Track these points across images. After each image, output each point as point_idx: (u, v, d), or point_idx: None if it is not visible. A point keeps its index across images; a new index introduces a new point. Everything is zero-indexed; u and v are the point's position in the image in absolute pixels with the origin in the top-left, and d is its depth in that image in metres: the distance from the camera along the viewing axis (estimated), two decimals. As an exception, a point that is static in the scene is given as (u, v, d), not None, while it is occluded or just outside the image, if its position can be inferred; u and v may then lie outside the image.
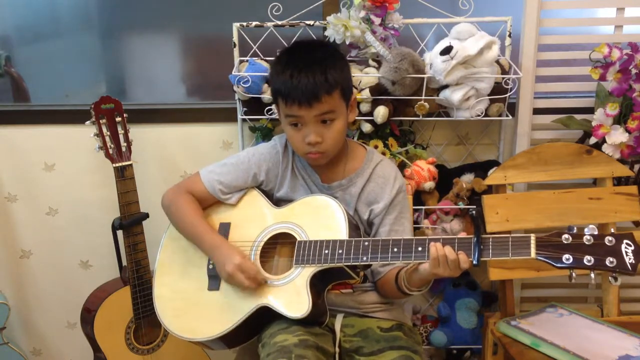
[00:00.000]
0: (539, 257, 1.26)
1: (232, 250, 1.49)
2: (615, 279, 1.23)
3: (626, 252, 1.21)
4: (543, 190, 1.88)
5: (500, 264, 1.80)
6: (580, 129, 1.96)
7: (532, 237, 1.27)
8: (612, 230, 1.28)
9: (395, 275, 1.49)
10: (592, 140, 1.87)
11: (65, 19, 2.22)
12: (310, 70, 1.42)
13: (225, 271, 1.46)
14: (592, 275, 1.24)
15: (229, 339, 1.52)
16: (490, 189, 1.89)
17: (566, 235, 1.25)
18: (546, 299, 2.07)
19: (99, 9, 2.22)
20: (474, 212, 1.32)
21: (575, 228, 1.26)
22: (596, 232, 1.24)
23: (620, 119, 1.85)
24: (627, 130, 1.82)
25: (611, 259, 1.21)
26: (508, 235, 1.30)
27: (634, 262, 1.21)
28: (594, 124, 1.86)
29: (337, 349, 1.50)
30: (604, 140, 1.85)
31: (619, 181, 1.89)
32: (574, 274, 1.25)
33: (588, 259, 1.22)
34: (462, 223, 1.99)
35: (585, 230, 1.25)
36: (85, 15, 2.22)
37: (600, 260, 1.22)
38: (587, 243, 1.24)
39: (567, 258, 1.23)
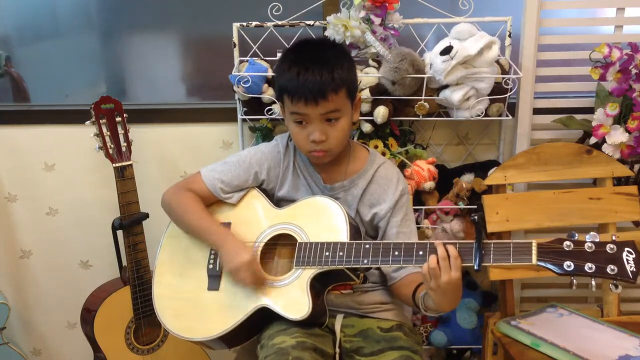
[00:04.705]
0: (540, 264, 1.25)
1: (241, 247, 1.48)
2: (616, 286, 1.23)
3: (627, 260, 1.21)
4: (543, 190, 1.88)
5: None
6: (580, 129, 1.96)
7: (534, 243, 1.27)
8: (614, 234, 1.27)
9: (413, 293, 1.47)
10: (592, 140, 1.87)
11: (65, 19, 2.22)
12: (317, 68, 1.42)
13: (232, 265, 1.45)
14: (593, 282, 1.23)
15: (229, 339, 1.52)
16: (490, 189, 1.89)
17: (567, 242, 1.24)
18: (546, 299, 2.07)
19: (99, 9, 2.22)
20: (475, 217, 1.31)
21: (576, 235, 1.25)
22: (597, 239, 1.24)
23: (620, 119, 1.85)
24: (627, 130, 1.82)
25: (612, 267, 1.21)
26: (509, 241, 1.29)
27: (635, 270, 1.20)
28: (594, 124, 1.86)
29: (337, 350, 1.50)
30: (604, 140, 1.85)
31: (619, 181, 1.89)
32: (574, 281, 1.25)
33: (589, 267, 1.22)
34: (462, 223, 1.99)
35: (587, 237, 1.24)
36: (85, 15, 2.22)
37: (602, 267, 1.21)
38: (588, 250, 1.23)
39: (569, 265, 1.23)
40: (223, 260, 1.50)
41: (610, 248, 1.22)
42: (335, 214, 1.48)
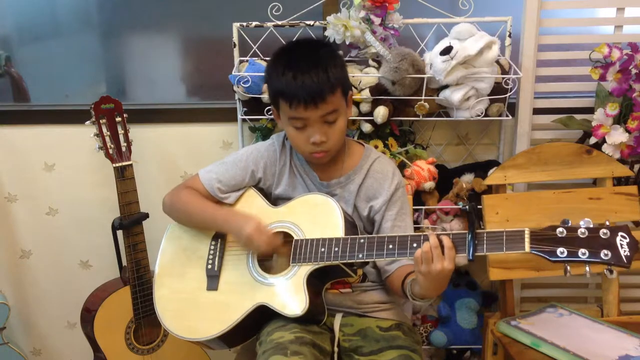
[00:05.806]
0: (533, 251, 1.25)
1: (245, 218, 1.50)
2: (611, 271, 1.22)
3: (621, 245, 1.20)
4: (543, 190, 1.88)
5: (500, 263, 1.80)
6: (580, 129, 1.96)
7: (527, 231, 1.26)
8: (607, 220, 1.26)
9: (402, 281, 1.47)
10: (592, 140, 1.87)
11: (65, 19, 2.22)
12: (313, 70, 1.42)
13: (244, 234, 1.46)
14: (587, 269, 1.22)
15: (228, 339, 1.52)
16: (490, 189, 1.89)
17: (561, 229, 1.24)
18: (546, 299, 2.07)
19: (99, 9, 2.22)
20: (467, 206, 1.31)
21: (570, 221, 1.25)
22: (591, 225, 1.22)
23: (620, 119, 1.85)
24: (627, 130, 1.82)
25: (606, 252, 1.20)
26: (502, 230, 1.29)
27: (629, 254, 1.19)
28: (594, 124, 1.86)
29: (336, 349, 1.50)
30: (604, 140, 1.84)
31: (618, 181, 1.89)
32: (569, 268, 1.23)
33: (583, 252, 1.21)
34: (462, 223, 1.99)
35: (580, 223, 1.23)
36: (85, 15, 2.22)
37: (595, 253, 1.20)
38: (581, 236, 1.22)
39: (562, 252, 1.22)
40: (234, 236, 1.52)
41: (603, 233, 1.21)
42: (331, 211, 1.48)
